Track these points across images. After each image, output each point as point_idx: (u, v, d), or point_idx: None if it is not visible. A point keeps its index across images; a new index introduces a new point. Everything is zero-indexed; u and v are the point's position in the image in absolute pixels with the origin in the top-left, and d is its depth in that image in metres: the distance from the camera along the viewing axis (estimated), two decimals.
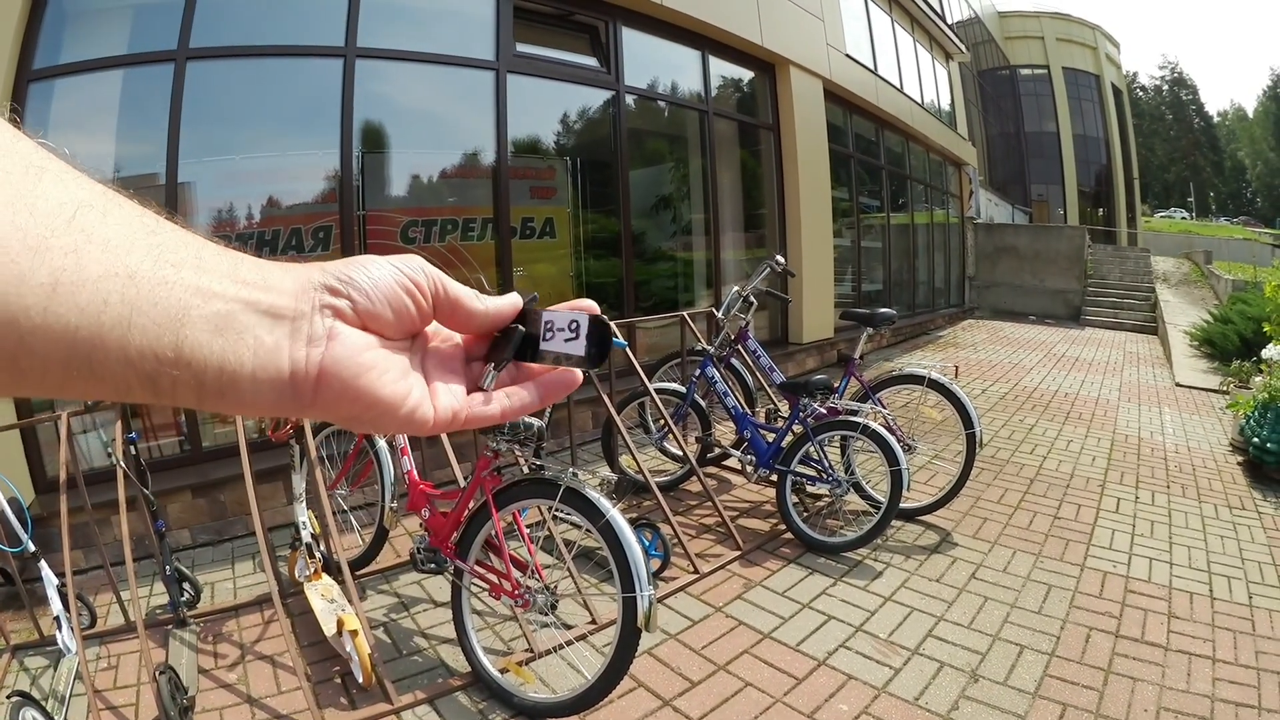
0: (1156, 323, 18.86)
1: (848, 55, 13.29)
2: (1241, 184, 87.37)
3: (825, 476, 4.95)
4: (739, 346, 6.09)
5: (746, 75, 11.02)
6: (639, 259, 9.04)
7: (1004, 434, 7.92)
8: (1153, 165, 73.52)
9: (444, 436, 4.39)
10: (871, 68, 14.65)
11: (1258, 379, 8.54)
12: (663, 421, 5.67)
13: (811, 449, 4.91)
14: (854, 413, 4.96)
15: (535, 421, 3.29)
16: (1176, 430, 8.55)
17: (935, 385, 5.30)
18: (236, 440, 3.80)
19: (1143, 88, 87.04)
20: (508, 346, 0.64)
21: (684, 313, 6.41)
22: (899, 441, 4.87)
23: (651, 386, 5.53)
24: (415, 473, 3.98)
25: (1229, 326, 13.01)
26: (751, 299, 5.93)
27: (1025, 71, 39.59)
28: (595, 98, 8.51)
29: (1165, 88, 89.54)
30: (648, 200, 9.60)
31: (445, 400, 0.60)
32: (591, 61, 8.38)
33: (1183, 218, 67.47)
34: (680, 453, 5.67)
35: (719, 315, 5.91)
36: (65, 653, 3.40)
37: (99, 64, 5.43)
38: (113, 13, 5.63)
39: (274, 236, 6.13)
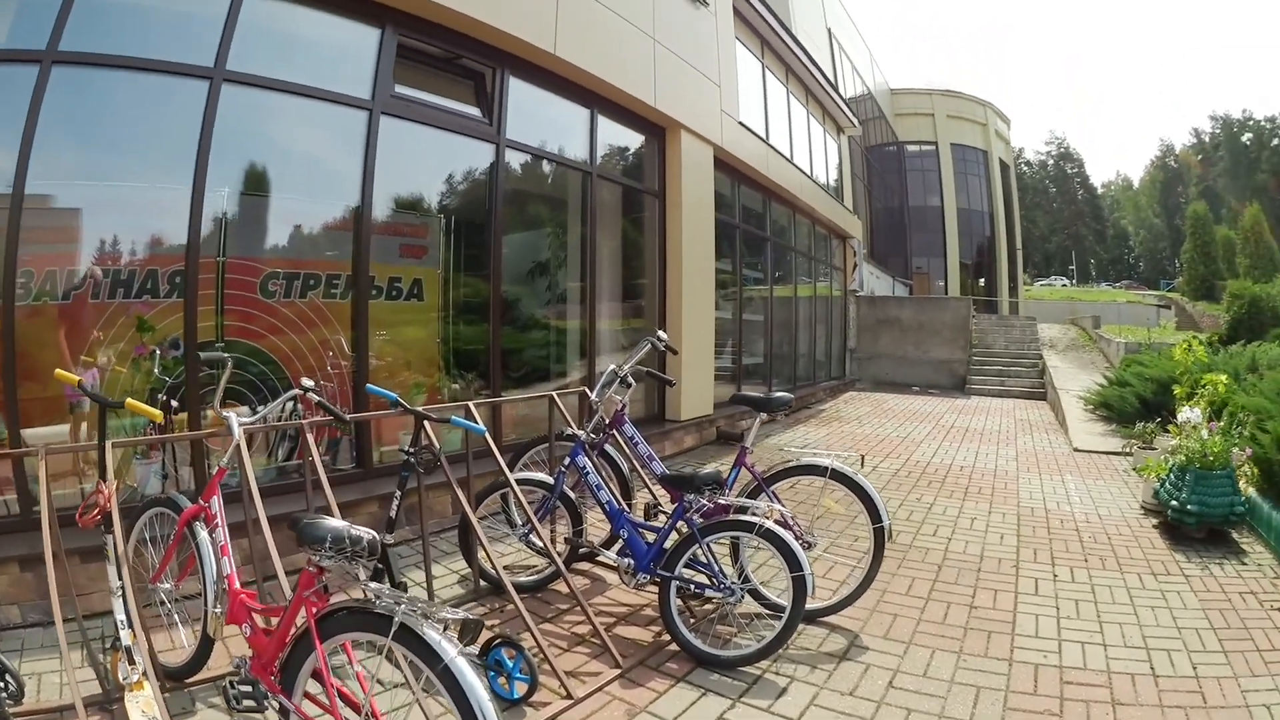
0: (1045, 388, 19.16)
1: (741, 123, 13.11)
2: (1124, 250, 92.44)
3: (716, 584, 4.34)
4: (614, 431, 5.53)
5: (636, 138, 10.71)
6: (511, 326, 8.55)
7: (902, 515, 7.48)
8: (1034, 236, 76.30)
9: (267, 528, 3.80)
10: (764, 137, 14.51)
11: (1163, 440, 8.58)
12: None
13: (699, 551, 4.32)
14: (745, 510, 4.41)
15: (365, 534, 2.67)
16: (1083, 498, 8.36)
17: (839, 477, 4.81)
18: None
19: (1028, 162, 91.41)
20: None
21: (552, 391, 5.84)
22: (798, 538, 4.34)
23: (514, 476, 4.95)
24: (235, 578, 3.36)
25: (1127, 389, 13.04)
26: (629, 379, 5.39)
27: (913, 147, 40.61)
28: (474, 151, 7.97)
29: (1051, 162, 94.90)
30: (523, 264, 9.14)
31: None
32: (474, 111, 7.90)
33: (1063, 284, 70.00)
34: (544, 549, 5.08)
35: (593, 397, 5.33)
36: None
37: None
38: None
39: (129, 277, 5.58)
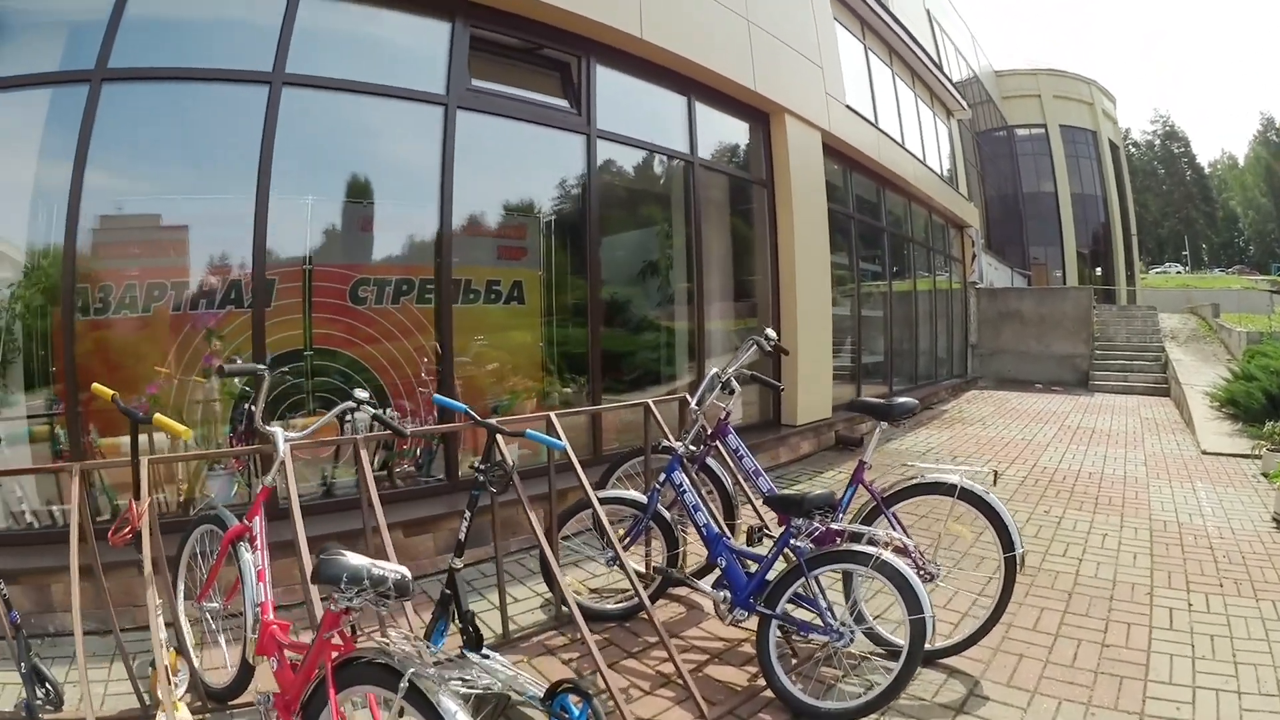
0: (1169, 384, 18.32)
1: (848, 106, 12.53)
2: (1234, 233, 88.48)
3: (824, 625, 3.82)
4: (717, 442, 5.08)
5: (738, 126, 10.23)
6: (612, 328, 8.22)
7: (1030, 531, 6.90)
8: (1146, 221, 73.49)
9: (306, 554, 3.57)
10: (873, 121, 13.90)
11: None
12: (622, 534, 4.69)
13: (806, 586, 3.82)
14: (859, 537, 3.94)
15: (391, 573, 2.37)
16: (1215, 509, 7.71)
17: (968, 496, 4.24)
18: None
19: (1135, 144, 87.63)
20: None
21: (649, 399, 5.35)
22: (918, 570, 3.84)
23: (603, 494, 4.62)
24: (270, 606, 3.15)
25: (1253, 384, 12.19)
26: (734, 384, 4.94)
27: (1022, 131, 39.37)
28: (565, 144, 7.60)
29: (1157, 142, 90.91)
30: (624, 261, 8.80)
31: None
32: (561, 102, 7.55)
33: (1178, 272, 67.86)
34: (640, 572, 4.71)
35: (692, 404, 4.88)
36: None
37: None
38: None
39: (210, 290, 5.66)
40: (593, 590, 5.23)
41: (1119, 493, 8.42)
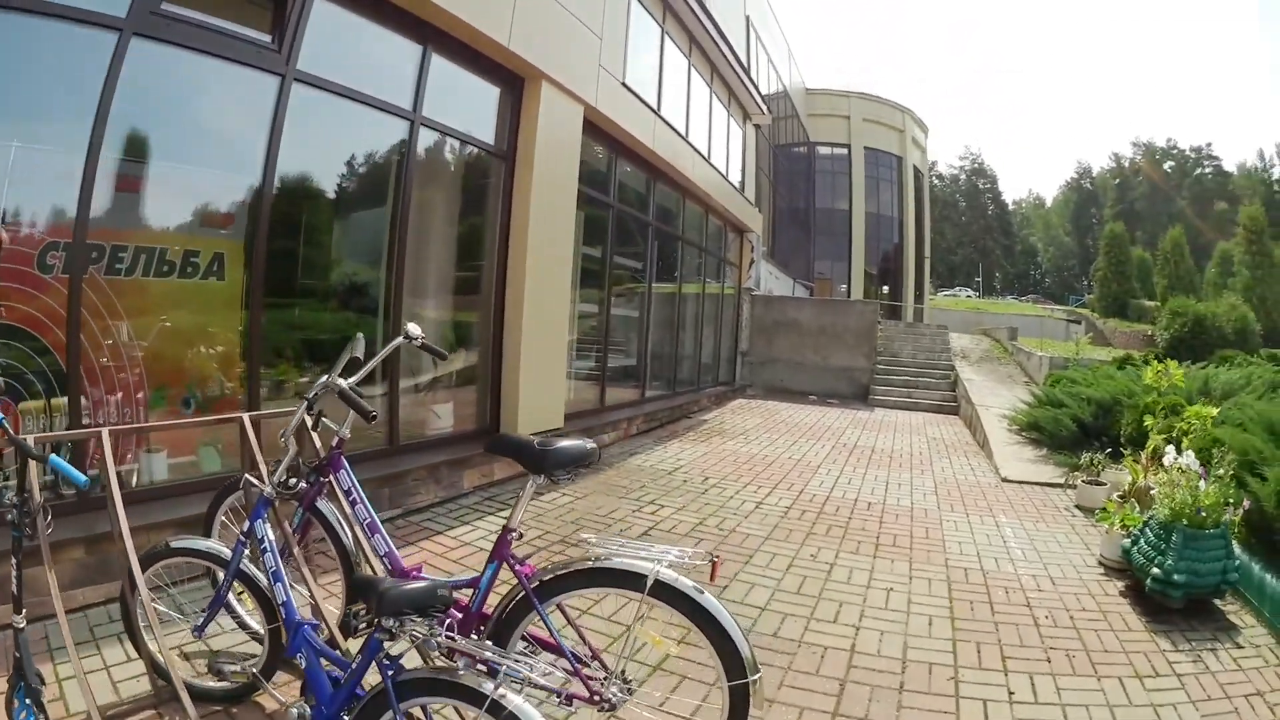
0: (959, 402, 18.35)
1: (624, 84, 11.30)
2: (1031, 266, 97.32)
3: None
4: (331, 478, 3.54)
5: (485, 89, 8.76)
6: (292, 312, 6.98)
7: (791, 584, 5.59)
8: (940, 247, 77.85)
9: None
10: (654, 107, 12.77)
11: (1114, 473, 8.21)
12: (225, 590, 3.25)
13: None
14: (497, 649, 2.42)
15: None
16: (1026, 550, 6.78)
17: (667, 594, 2.73)
18: None
19: (940, 175, 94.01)
20: None
21: (244, 414, 3.79)
22: (591, 696, 2.38)
23: (174, 544, 3.31)
24: None
25: (1062, 410, 11.75)
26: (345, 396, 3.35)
27: (824, 149, 40.47)
28: (255, 84, 6.07)
29: (963, 176, 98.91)
30: (320, 231, 7.39)
31: None
32: (263, 37, 6.06)
33: (968, 295, 72.17)
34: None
35: (284, 431, 3.26)
36: None
37: None
38: None
39: None
40: (216, 652, 3.71)
41: (906, 529, 7.34)
